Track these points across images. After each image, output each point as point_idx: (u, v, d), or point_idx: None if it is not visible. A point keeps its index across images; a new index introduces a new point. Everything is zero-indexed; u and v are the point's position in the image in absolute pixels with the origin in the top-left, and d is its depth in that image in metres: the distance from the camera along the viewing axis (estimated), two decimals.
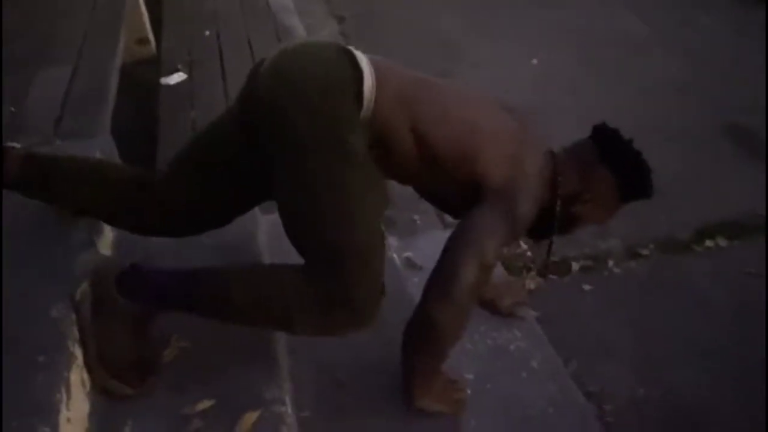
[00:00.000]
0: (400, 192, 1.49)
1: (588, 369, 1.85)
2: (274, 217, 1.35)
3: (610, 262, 2.24)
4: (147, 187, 1.36)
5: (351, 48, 1.29)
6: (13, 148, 1.36)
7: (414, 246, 1.98)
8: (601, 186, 1.36)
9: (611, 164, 1.35)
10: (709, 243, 2.28)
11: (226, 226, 1.43)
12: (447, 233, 1.30)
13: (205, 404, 1.23)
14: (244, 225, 1.54)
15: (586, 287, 2.12)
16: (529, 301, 1.84)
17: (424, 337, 1.30)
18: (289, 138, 1.20)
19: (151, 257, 1.48)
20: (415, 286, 1.80)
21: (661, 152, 2.75)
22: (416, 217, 2.45)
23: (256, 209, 1.59)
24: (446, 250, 1.28)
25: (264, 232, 1.72)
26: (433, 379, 1.37)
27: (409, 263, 1.91)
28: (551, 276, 2.20)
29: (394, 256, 1.89)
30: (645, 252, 2.27)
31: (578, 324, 2.01)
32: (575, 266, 2.23)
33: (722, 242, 2.27)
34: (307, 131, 1.18)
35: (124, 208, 1.37)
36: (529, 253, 2.30)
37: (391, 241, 1.99)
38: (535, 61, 3.67)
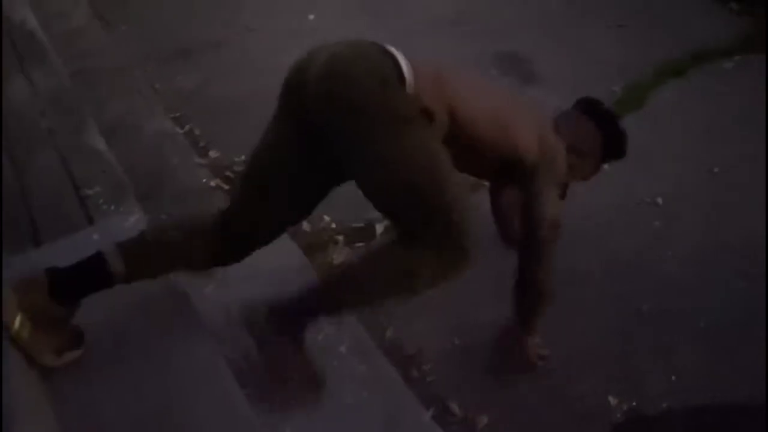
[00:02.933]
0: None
1: (406, 331, 1.85)
2: None
3: None
4: (225, 225, 1.49)
5: (383, 44, 1.42)
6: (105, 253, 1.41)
7: None
8: (591, 142, 1.70)
9: (600, 125, 1.70)
10: None
11: None
12: None
13: None
14: None
15: None
16: None
17: (534, 295, 1.62)
18: (364, 130, 1.32)
19: None
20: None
21: None
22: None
23: None
24: (529, 231, 1.57)
25: None
26: (537, 326, 1.69)
27: None
28: (358, 243, 2.16)
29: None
30: None
31: None
32: (379, 228, 2.20)
33: None
34: (378, 119, 1.31)
35: (213, 252, 1.49)
36: (333, 225, 2.23)
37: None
38: (312, 16, 3.54)
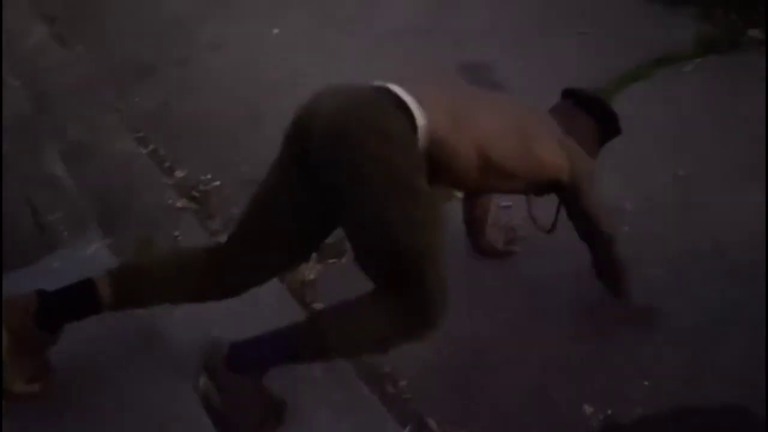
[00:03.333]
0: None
1: None
2: None
3: None
4: (220, 263, 1.50)
5: (389, 85, 1.43)
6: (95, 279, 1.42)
7: None
8: (589, 130, 1.75)
9: (592, 113, 1.76)
10: None
11: None
12: None
13: None
14: None
15: None
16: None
17: (618, 271, 1.77)
18: (359, 186, 1.34)
19: None
20: (174, 322, 1.63)
21: None
22: (178, 232, 2.24)
23: None
24: (594, 230, 1.70)
25: None
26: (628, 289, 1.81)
27: None
28: (330, 260, 2.13)
29: None
30: None
31: None
32: None
33: None
34: (375, 179, 1.33)
35: (204, 288, 1.50)
36: None
37: None
38: (276, 30, 3.52)
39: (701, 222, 2.09)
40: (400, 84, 1.43)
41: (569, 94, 1.85)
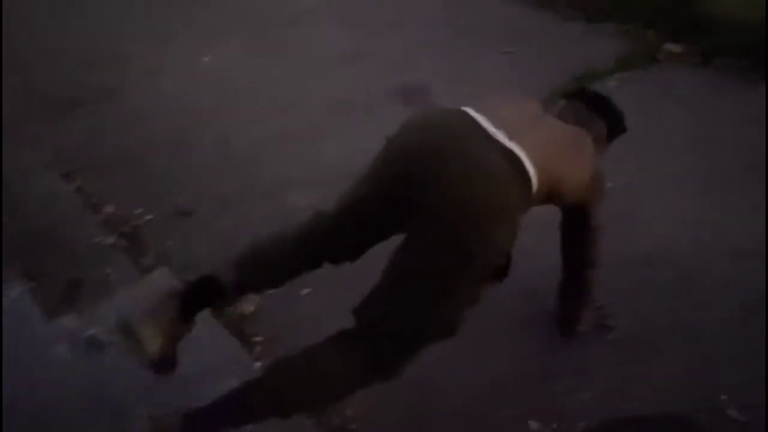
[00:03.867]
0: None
1: None
2: None
3: None
4: (320, 232, 1.54)
5: (513, 149, 1.37)
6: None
7: (98, 318, 1.71)
8: (601, 134, 1.73)
9: (600, 112, 1.75)
10: None
11: None
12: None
13: None
14: None
15: (304, 291, 2.03)
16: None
17: (587, 292, 1.80)
18: (456, 248, 1.34)
19: None
20: (105, 369, 1.56)
21: (345, 125, 2.83)
22: (109, 270, 2.15)
23: None
24: (588, 241, 1.72)
25: None
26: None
27: (93, 342, 1.64)
28: (268, 290, 2.09)
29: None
30: None
31: (309, 334, 1.92)
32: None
33: None
34: (476, 254, 1.34)
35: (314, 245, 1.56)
36: None
37: (69, 321, 1.70)
38: (207, 58, 3.47)
39: (629, 233, 2.14)
40: (513, 134, 1.40)
41: (574, 95, 1.83)
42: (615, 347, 1.82)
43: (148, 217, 2.41)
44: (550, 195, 1.48)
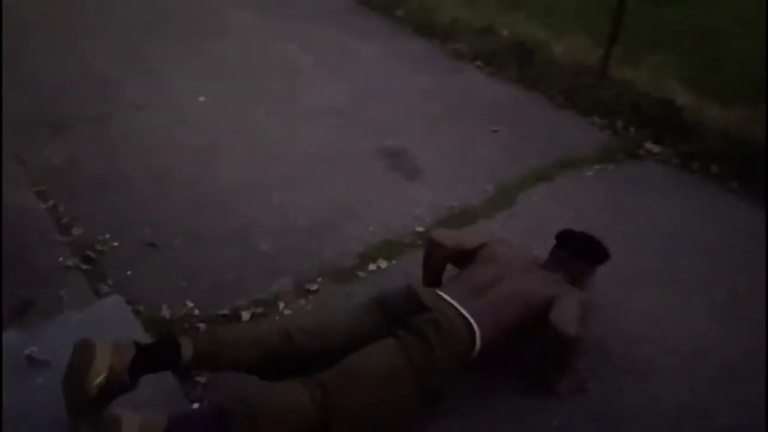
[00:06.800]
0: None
1: None
2: None
3: (281, 304, 2.18)
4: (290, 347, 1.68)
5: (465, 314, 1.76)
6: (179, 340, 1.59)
7: (40, 338, 1.68)
8: (583, 266, 2.10)
9: (584, 259, 2.11)
10: (371, 266, 2.36)
11: None
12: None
13: None
14: None
15: None
16: None
17: (565, 363, 1.89)
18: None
19: None
20: (40, 387, 1.52)
21: (325, 178, 2.87)
22: (63, 292, 2.13)
23: None
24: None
25: None
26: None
27: (32, 361, 1.60)
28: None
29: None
30: (314, 287, 2.26)
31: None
32: (246, 316, 2.12)
33: (383, 264, 2.37)
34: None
35: (272, 360, 1.66)
36: (196, 312, 2.13)
37: (11, 336, 1.67)
38: (202, 98, 3.54)
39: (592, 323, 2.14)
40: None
41: (563, 239, 2.14)
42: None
43: (114, 243, 2.40)
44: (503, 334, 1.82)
